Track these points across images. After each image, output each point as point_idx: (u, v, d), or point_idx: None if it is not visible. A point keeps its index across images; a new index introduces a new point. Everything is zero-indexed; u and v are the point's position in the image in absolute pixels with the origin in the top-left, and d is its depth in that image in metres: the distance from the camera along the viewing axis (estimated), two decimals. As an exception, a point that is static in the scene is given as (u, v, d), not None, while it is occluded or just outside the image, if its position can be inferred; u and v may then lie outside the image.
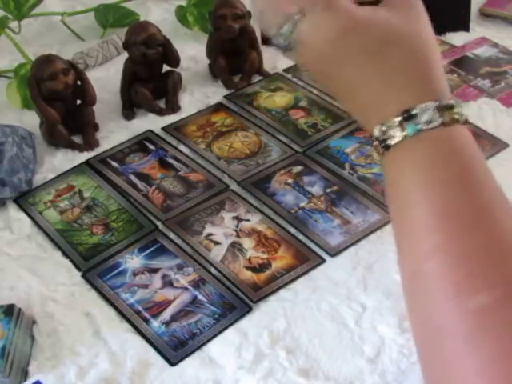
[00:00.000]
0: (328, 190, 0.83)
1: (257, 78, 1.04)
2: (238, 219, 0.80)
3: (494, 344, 0.40)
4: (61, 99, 0.91)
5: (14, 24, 1.08)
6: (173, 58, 0.99)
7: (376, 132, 0.47)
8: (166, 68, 1.00)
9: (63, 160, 0.91)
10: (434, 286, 0.43)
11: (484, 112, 0.95)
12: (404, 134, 0.46)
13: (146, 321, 0.70)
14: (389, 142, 0.47)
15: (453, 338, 0.42)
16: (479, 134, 0.91)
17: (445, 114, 0.46)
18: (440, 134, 0.46)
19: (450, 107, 0.46)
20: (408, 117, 0.46)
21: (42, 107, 0.90)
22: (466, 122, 0.47)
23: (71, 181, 0.87)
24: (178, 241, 0.79)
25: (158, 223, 0.81)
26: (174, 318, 0.70)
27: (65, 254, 0.78)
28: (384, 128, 0.47)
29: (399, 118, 0.46)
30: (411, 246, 0.46)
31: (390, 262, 0.74)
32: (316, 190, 0.84)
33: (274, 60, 1.06)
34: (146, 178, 0.88)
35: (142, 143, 0.93)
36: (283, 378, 0.64)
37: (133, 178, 0.88)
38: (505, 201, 0.45)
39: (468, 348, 0.40)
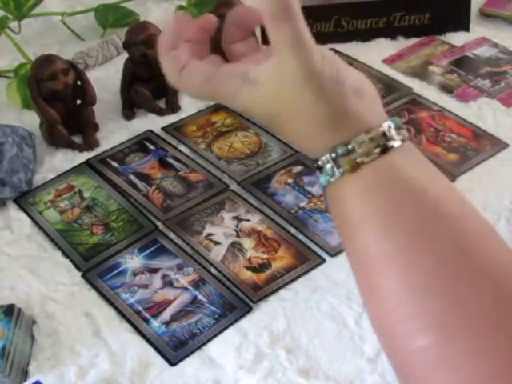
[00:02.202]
0: (328, 190, 0.83)
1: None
2: (238, 219, 0.80)
3: None
4: (61, 99, 0.91)
5: (14, 24, 1.08)
6: (173, 58, 0.99)
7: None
8: (166, 68, 1.00)
9: (63, 160, 0.91)
10: (381, 326, 0.44)
11: (484, 112, 0.95)
12: (320, 182, 0.46)
13: (146, 321, 0.70)
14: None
15: (404, 375, 0.42)
16: (479, 134, 0.91)
17: (342, 164, 0.44)
18: (364, 171, 0.44)
19: (347, 154, 0.44)
20: (318, 167, 0.46)
21: (42, 107, 0.90)
22: (378, 156, 0.43)
23: (71, 181, 0.87)
24: (178, 241, 0.79)
25: (158, 223, 0.81)
26: (174, 317, 0.70)
27: (65, 254, 0.78)
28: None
29: (314, 165, 0.46)
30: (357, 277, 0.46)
31: (390, 261, 0.74)
32: (316, 189, 0.84)
33: (274, 60, 1.06)
34: (146, 177, 0.88)
35: (142, 143, 0.93)
36: (283, 378, 0.64)
37: (133, 177, 0.88)
38: (445, 231, 0.42)
39: None
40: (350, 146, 0.44)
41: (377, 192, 0.43)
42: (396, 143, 0.44)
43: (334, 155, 0.44)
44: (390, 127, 0.44)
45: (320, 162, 0.45)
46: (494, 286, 0.40)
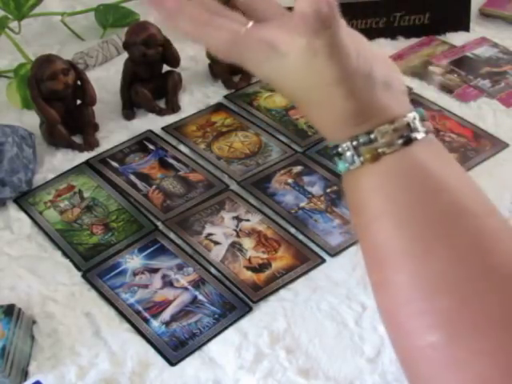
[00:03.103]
0: (328, 190, 0.83)
1: (257, 77, 1.04)
2: (238, 219, 0.80)
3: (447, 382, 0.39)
4: (61, 99, 0.91)
5: (14, 24, 1.08)
6: (173, 58, 0.99)
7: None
8: (166, 68, 1.00)
9: (63, 160, 0.91)
10: (390, 319, 0.43)
11: (484, 112, 0.95)
12: (338, 168, 0.45)
13: (146, 321, 0.70)
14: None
15: (412, 372, 0.42)
16: (479, 134, 0.91)
17: (363, 153, 0.43)
18: (385, 161, 0.43)
19: (369, 143, 0.43)
20: (337, 153, 0.45)
21: (42, 107, 0.90)
22: (396, 150, 0.42)
23: (71, 181, 0.87)
24: (178, 241, 0.79)
25: (158, 223, 0.81)
26: (174, 317, 0.70)
27: (65, 254, 0.78)
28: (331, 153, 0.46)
29: (332, 152, 0.45)
30: (368, 265, 0.45)
31: (390, 261, 0.74)
32: (316, 190, 0.84)
33: (274, 60, 1.06)
34: (146, 177, 0.88)
35: (142, 143, 0.93)
36: (283, 378, 0.64)
37: (133, 177, 0.88)
38: (460, 222, 0.41)
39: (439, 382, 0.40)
40: (372, 136, 0.43)
41: (396, 184, 0.43)
42: (420, 135, 0.43)
43: (355, 143, 0.43)
44: (414, 118, 0.43)
45: (340, 149, 0.44)
46: (505, 287, 0.40)
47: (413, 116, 0.44)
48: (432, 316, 0.40)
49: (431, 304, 0.40)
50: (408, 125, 0.43)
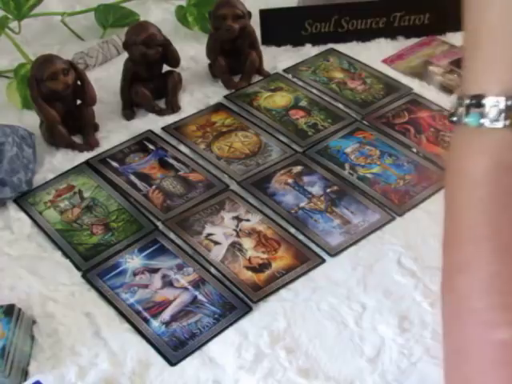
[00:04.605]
0: (328, 190, 0.83)
1: (257, 78, 1.04)
2: (238, 219, 0.80)
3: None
4: (61, 99, 0.91)
5: (14, 24, 1.08)
6: (173, 58, 0.99)
7: (455, 100, 0.42)
8: (166, 68, 1.00)
9: (63, 160, 0.91)
10: (462, 305, 0.41)
11: (484, 112, 0.95)
12: (465, 120, 0.40)
13: (146, 321, 0.70)
14: (454, 118, 0.41)
15: (475, 364, 0.40)
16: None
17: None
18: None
19: None
20: (476, 104, 0.39)
21: (42, 107, 0.90)
22: None
23: (71, 181, 0.88)
24: (178, 241, 0.79)
25: (158, 223, 0.81)
26: (174, 317, 0.70)
27: (65, 254, 0.78)
28: (459, 102, 0.41)
29: (468, 101, 0.40)
30: (446, 248, 0.42)
31: (390, 262, 0.74)
32: (316, 190, 0.84)
33: (274, 60, 1.07)
34: (146, 177, 0.88)
35: (141, 143, 0.93)
36: (283, 378, 0.64)
37: (133, 178, 0.88)
38: None
39: (488, 378, 0.39)
40: None
41: None
42: None
43: (510, 102, 0.39)
44: None
45: (484, 101, 0.39)
46: None
47: None
48: (502, 312, 0.38)
49: None
50: None
